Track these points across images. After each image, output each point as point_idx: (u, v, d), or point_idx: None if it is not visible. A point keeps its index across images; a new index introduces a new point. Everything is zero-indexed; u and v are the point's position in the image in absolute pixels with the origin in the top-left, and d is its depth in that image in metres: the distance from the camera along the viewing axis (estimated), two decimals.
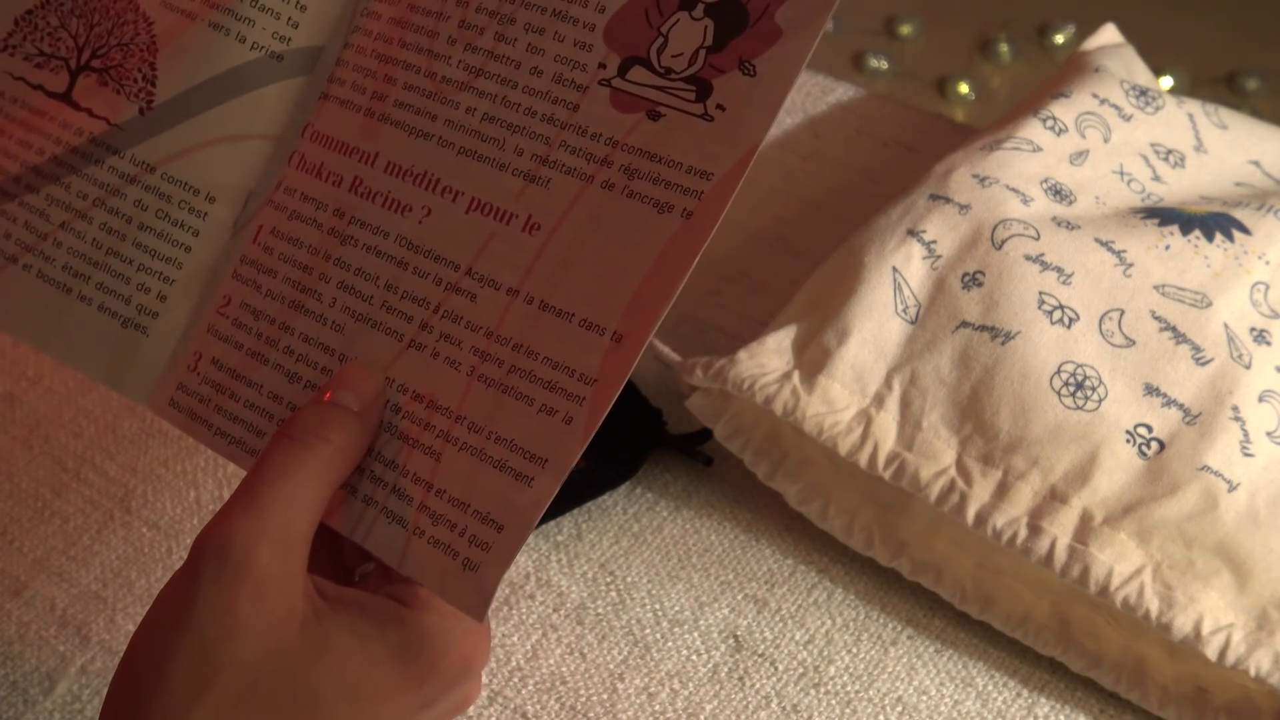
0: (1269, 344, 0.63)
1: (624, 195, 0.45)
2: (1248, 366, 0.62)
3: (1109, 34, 0.85)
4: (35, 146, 0.53)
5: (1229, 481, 0.60)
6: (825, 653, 0.64)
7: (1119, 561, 0.59)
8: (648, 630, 0.65)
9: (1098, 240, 0.65)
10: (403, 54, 0.50)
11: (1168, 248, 0.65)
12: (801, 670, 0.64)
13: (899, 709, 0.62)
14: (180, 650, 0.42)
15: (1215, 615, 0.59)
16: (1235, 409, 0.61)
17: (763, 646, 0.64)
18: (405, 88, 0.49)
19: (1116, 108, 0.73)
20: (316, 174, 0.50)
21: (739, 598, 0.66)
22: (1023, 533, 0.60)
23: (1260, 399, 0.62)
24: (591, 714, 0.62)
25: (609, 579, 0.67)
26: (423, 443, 0.46)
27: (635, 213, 0.45)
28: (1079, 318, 0.63)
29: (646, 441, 0.70)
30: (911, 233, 0.66)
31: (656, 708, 0.62)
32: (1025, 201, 0.67)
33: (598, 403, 0.44)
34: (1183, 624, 0.58)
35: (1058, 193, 0.69)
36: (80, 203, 0.52)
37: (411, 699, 0.45)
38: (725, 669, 0.64)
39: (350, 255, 0.49)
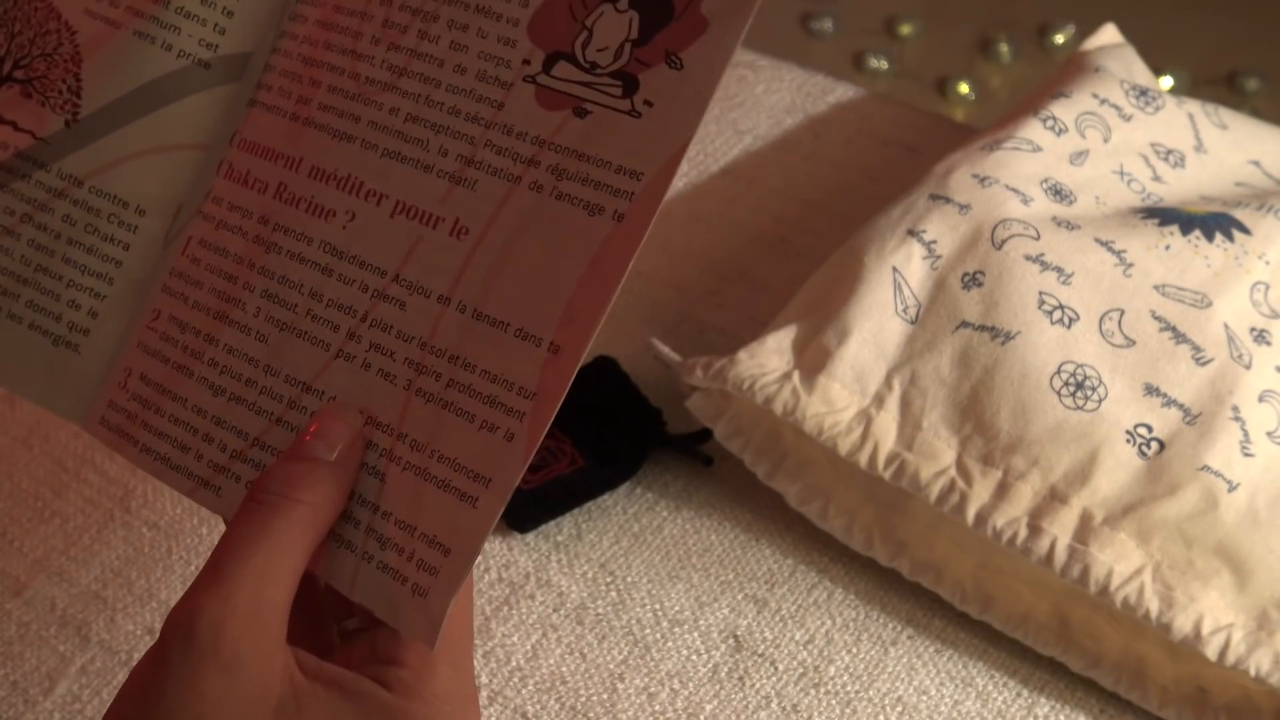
0: (1269, 344, 0.63)
1: (553, 197, 0.44)
2: (1248, 366, 0.62)
3: (1109, 34, 0.85)
4: None
5: (1229, 481, 0.60)
6: (825, 653, 0.64)
7: (1119, 561, 0.59)
8: (648, 630, 0.65)
9: (1098, 240, 0.65)
10: (327, 56, 0.48)
11: (1168, 248, 0.65)
12: (801, 670, 0.64)
13: (899, 709, 0.62)
14: None
15: (1215, 615, 0.59)
16: (1235, 409, 0.61)
17: (763, 646, 0.64)
18: (329, 90, 0.48)
19: (1116, 108, 0.73)
20: (243, 182, 0.49)
21: (739, 598, 0.66)
22: (1023, 533, 0.60)
23: (1260, 399, 0.62)
24: (591, 714, 0.62)
25: (609, 579, 0.67)
26: (366, 462, 0.44)
27: (565, 215, 0.43)
28: (1079, 318, 0.63)
29: (646, 441, 0.70)
30: (912, 233, 0.66)
31: (656, 708, 0.62)
32: (1025, 201, 0.67)
33: (538, 418, 0.42)
34: (1183, 624, 0.58)
35: (1058, 193, 0.69)
36: (7, 219, 0.51)
37: None
38: (725, 669, 0.64)
39: (274, 263, 0.47)
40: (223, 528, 0.70)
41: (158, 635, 0.42)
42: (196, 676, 0.40)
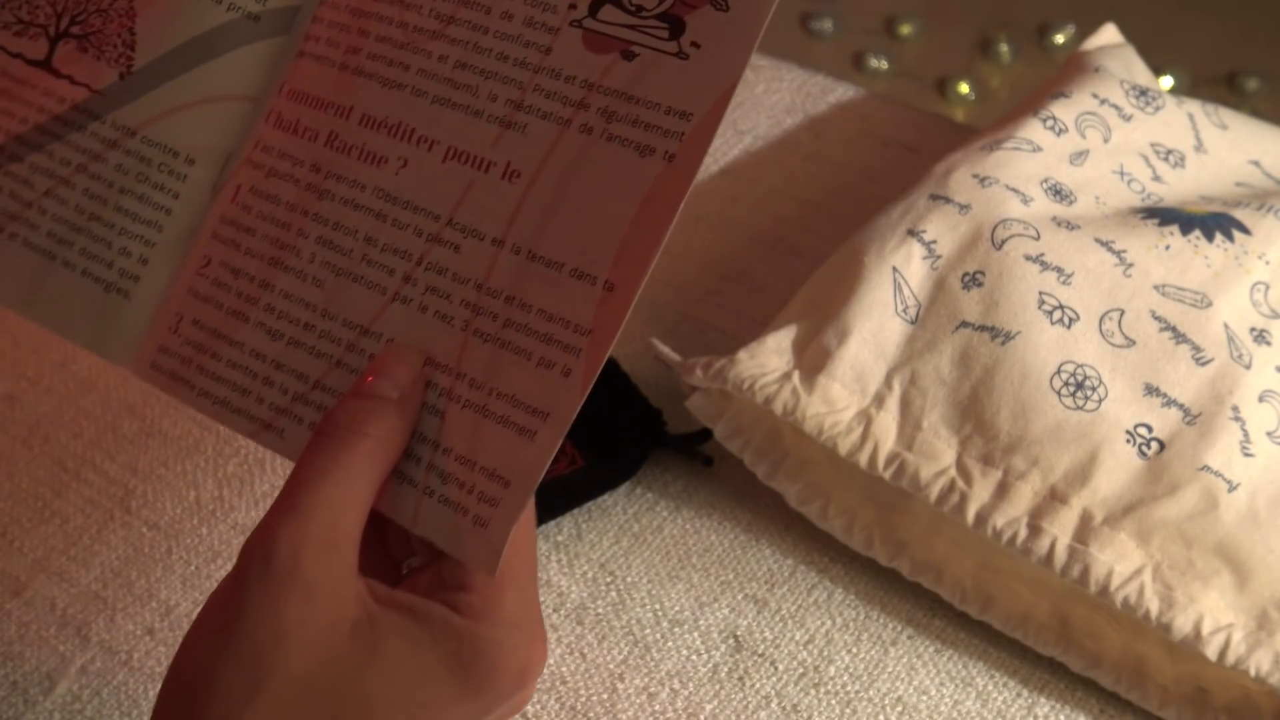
0: (1269, 344, 0.63)
1: (603, 139, 0.44)
2: (1248, 366, 0.62)
3: (1109, 34, 0.85)
4: (18, 116, 0.53)
5: (1229, 481, 0.60)
6: (825, 653, 0.64)
7: (1119, 561, 0.59)
8: (648, 630, 0.65)
9: (1098, 240, 0.65)
10: (375, 6, 0.49)
11: (1168, 248, 0.65)
12: (801, 670, 0.64)
13: (899, 709, 0.62)
14: (229, 658, 0.41)
15: (1215, 615, 0.59)
16: (1235, 409, 0.61)
17: (763, 646, 0.64)
18: (378, 39, 0.49)
19: (1116, 108, 0.73)
20: (293, 130, 0.50)
21: (739, 598, 0.66)
22: (1023, 533, 0.60)
23: (1260, 399, 0.62)
24: (591, 714, 0.62)
25: (609, 579, 0.67)
26: (426, 401, 0.45)
27: (616, 157, 0.44)
28: (1079, 318, 0.63)
29: (646, 441, 0.70)
30: (911, 233, 0.66)
31: (656, 708, 0.62)
32: (1025, 201, 0.67)
33: (594, 354, 0.43)
34: (1183, 624, 0.58)
35: (1058, 193, 0.69)
36: (63, 169, 0.52)
37: (465, 710, 0.44)
38: (725, 669, 0.64)
39: (328, 210, 0.48)
40: (225, 528, 0.70)
41: (234, 561, 0.43)
42: (275, 600, 0.41)
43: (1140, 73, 0.80)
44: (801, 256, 0.80)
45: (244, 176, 0.50)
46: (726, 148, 0.88)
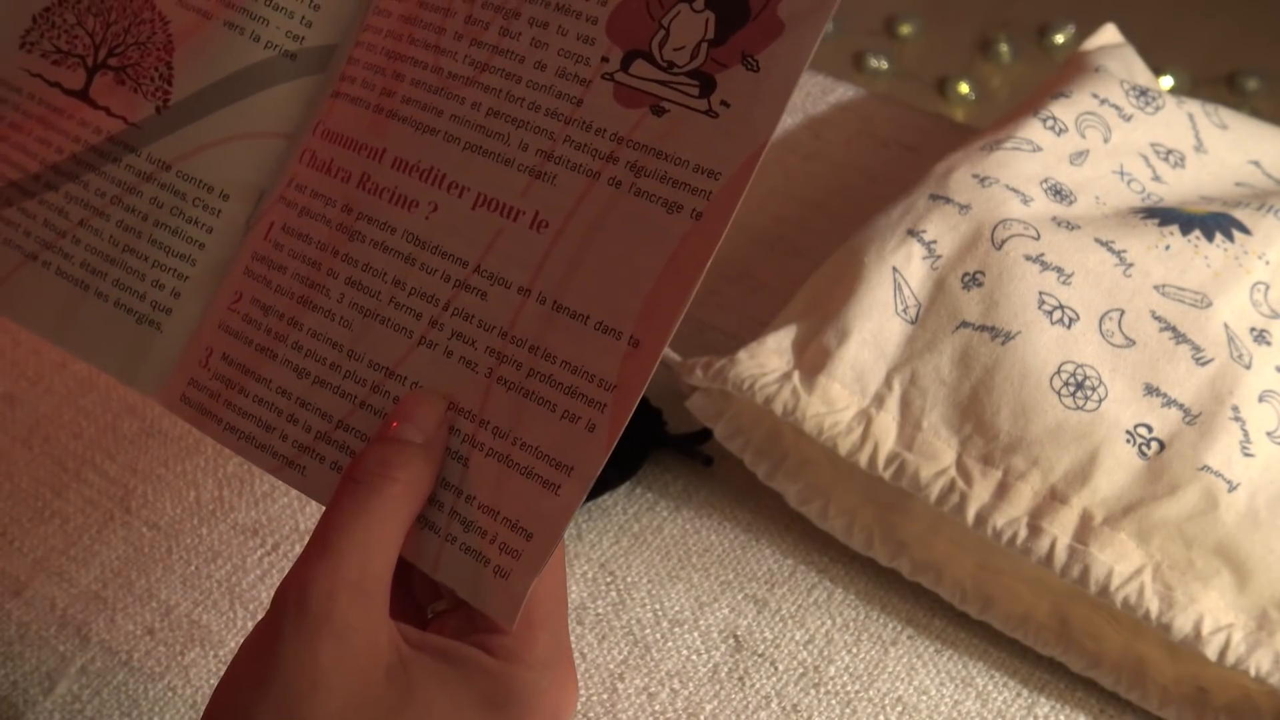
0: (1269, 344, 0.63)
1: (631, 193, 0.45)
2: (1248, 366, 0.62)
3: (1109, 34, 0.85)
4: (54, 145, 0.53)
5: (1229, 481, 0.60)
6: (825, 653, 0.64)
7: (1119, 561, 0.59)
8: (648, 630, 0.65)
9: (1098, 240, 0.65)
10: (410, 50, 0.49)
11: (1168, 248, 0.65)
12: (801, 670, 0.64)
13: (899, 709, 0.62)
14: (265, 702, 0.41)
15: (1215, 615, 0.59)
16: (1235, 409, 0.61)
17: (763, 646, 0.64)
18: (412, 83, 0.49)
19: (1116, 108, 0.73)
20: (326, 170, 0.50)
21: (739, 598, 0.66)
22: (1023, 533, 0.60)
23: (1260, 399, 0.62)
24: (591, 714, 0.62)
25: (609, 579, 0.67)
26: (450, 447, 0.45)
27: (644, 212, 0.44)
28: (1079, 318, 0.63)
29: (646, 441, 0.70)
30: (911, 233, 0.66)
31: (656, 708, 0.62)
32: (1025, 201, 0.67)
33: (619, 410, 0.43)
34: (1183, 624, 0.58)
35: (1058, 193, 0.69)
36: (98, 200, 0.52)
37: None
38: (725, 669, 0.64)
39: (358, 251, 0.48)
40: (225, 528, 0.70)
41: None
42: (310, 644, 0.41)
43: (1140, 73, 0.80)
44: (801, 256, 0.80)
45: (277, 214, 0.50)
46: None
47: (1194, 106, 0.76)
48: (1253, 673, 0.58)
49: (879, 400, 0.64)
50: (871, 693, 0.63)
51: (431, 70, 0.49)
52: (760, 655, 0.64)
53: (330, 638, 0.41)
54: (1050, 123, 0.72)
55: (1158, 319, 0.63)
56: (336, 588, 0.42)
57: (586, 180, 0.45)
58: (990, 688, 0.63)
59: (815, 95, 0.92)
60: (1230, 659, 0.58)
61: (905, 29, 1.77)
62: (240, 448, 0.49)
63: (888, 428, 0.63)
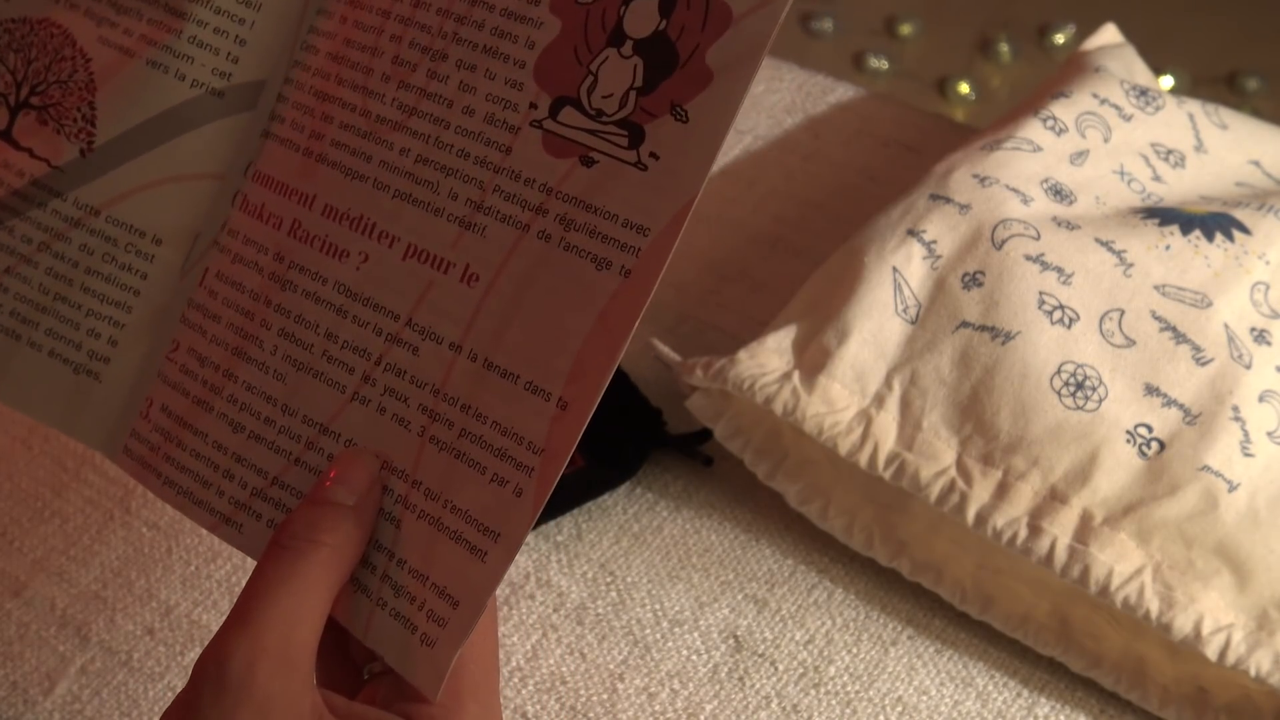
0: (1269, 344, 0.63)
1: (560, 248, 0.43)
2: (1248, 366, 0.62)
3: (1109, 34, 0.85)
4: None
5: (1229, 481, 0.60)
6: (825, 653, 0.64)
7: (1119, 561, 0.59)
8: (648, 630, 0.65)
9: (1098, 240, 0.65)
10: (339, 91, 0.48)
11: (1168, 248, 0.65)
12: (801, 670, 0.64)
13: (899, 709, 0.62)
14: None
15: (1215, 615, 0.59)
16: (1235, 409, 0.61)
17: (763, 646, 0.64)
18: (341, 126, 0.47)
19: (1117, 108, 0.73)
20: (259, 216, 0.48)
21: (739, 598, 0.66)
22: (1023, 533, 0.60)
23: (1260, 399, 0.62)
24: (591, 714, 0.62)
25: (609, 579, 0.67)
26: (383, 507, 0.44)
27: (573, 267, 0.43)
28: (1079, 318, 0.63)
29: (646, 441, 0.70)
30: (912, 233, 0.66)
31: (656, 708, 0.62)
32: (1025, 201, 0.67)
33: (546, 474, 0.42)
34: (1183, 624, 0.58)
35: (1058, 193, 0.69)
36: (25, 247, 0.50)
37: None
38: (725, 669, 0.64)
39: (290, 301, 0.47)
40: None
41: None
42: (230, 717, 0.40)
43: (1140, 73, 0.80)
44: (801, 256, 0.80)
45: (212, 260, 0.49)
46: (726, 148, 0.88)
47: (1194, 106, 0.76)
48: (1253, 673, 0.58)
49: (879, 400, 0.64)
50: (871, 693, 0.63)
51: (360, 113, 0.47)
52: (760, 655, 0.64)
53: (250, 712, 0.40)
54: (1050, 123, 0.72)
55: (1158, 319, 0.63)
56: (257, 657, 0.41)
57: (516, 233, 0.44)
58: (990, 688, 0.63)
59: (815, 95, 0.92)
60: (1230, 659, 0.58)
61: (905, 29, 1.77)
62: (178, 503, 0.48)
63: (888, 428, 0.63)
